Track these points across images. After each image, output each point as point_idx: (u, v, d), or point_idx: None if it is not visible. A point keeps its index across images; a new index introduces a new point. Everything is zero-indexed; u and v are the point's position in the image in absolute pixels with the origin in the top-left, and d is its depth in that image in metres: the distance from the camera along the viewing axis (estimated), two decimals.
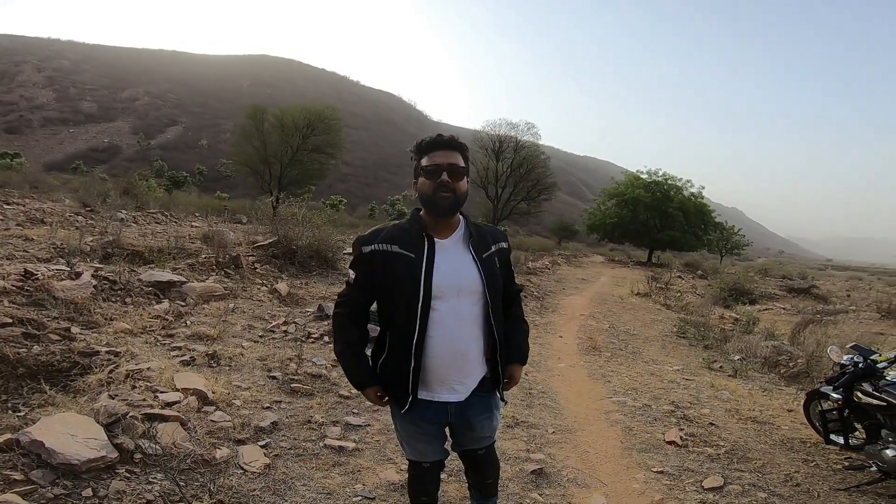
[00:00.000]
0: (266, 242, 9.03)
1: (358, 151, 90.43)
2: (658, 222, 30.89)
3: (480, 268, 1.85)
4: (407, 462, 2.15)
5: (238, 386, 3.84)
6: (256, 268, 8.00)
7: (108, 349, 3.89)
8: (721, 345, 7.77)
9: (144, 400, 3.13)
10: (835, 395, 3.54)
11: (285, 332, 5.49)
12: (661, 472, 3.41)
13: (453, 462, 2.90)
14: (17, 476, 2.28)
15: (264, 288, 7.16)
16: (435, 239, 1.84)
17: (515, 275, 2.22)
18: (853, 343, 3.76)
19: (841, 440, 3.58)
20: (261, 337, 5.22)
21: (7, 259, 5.88)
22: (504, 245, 2.01)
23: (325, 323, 5.80)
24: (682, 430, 4.13)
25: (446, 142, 1.85)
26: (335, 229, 11.09)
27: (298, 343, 5.05)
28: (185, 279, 6.27)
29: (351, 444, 3.27)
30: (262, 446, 3.05)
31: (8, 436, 2.46)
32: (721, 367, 6.49)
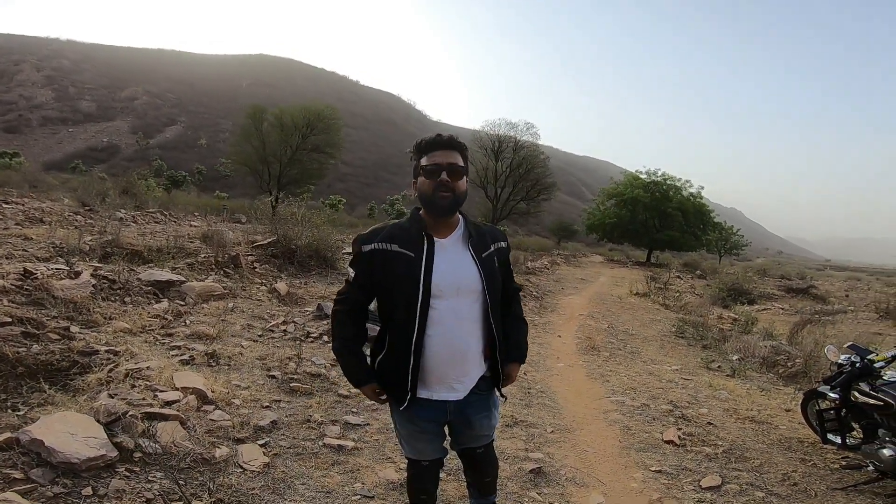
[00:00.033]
0: (265, 242, 9.03)
1: (357, 151, 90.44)
2: (657, 222, 30.92)
3: (480, 267, 1.86)
4: (406, 461, 2.16)
5: (237, 385, 3.85)
6: (255, 267, 8.01)
7: (107, 348, 3.89)
8: (719, 345, 7.79)
9: (144, 399, 3.14)
10: (832, 395, 3.55)
11: (284, 331, 5.49)
12: (660, 472, 3.42)
13: (452, 461, 2.91)
14: (17, 475, 2.28)
15: (263, 287, 7.17)
16: (434, 238, 1.85)
17: (515, 274, 2.23)
18: (850, 343, 3.77)
19: (838, 440, 3.59)
20: (260, 336, 5.23)
21: (6, 258, 5.88)
22: (503, 244, 2.02)
23: (325, 322, 5.81)
24: (680, 429, 4.14)
25: (446, 141, 1.85)
26: (334, 229, 11.10)
27: (297, 342, 5.06)
28: (184, 279, 6.27)
29: (350, 443, 3.28)
30: (261, 445, 3.06)
31: (8, 434, 2.46)
32: (719, 366, 6.50)
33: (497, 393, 2.05)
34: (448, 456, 2.16)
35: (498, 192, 39.98)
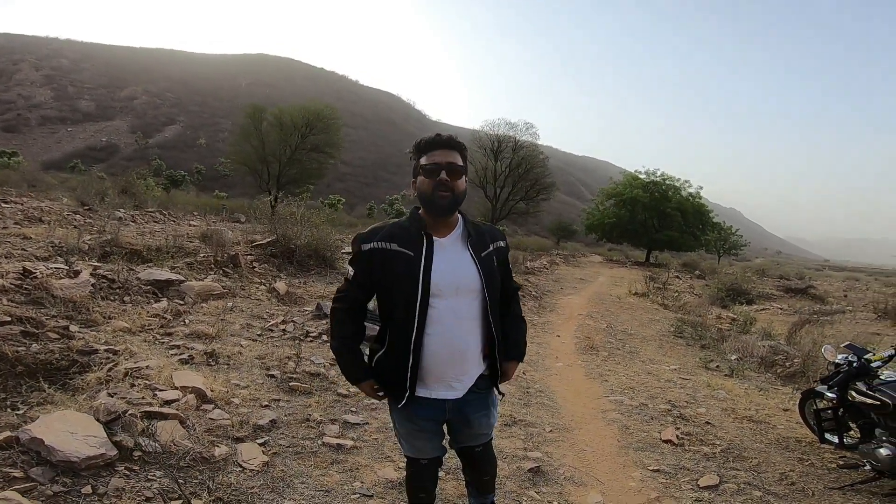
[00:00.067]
0: (264, 241, 9.03)
1: (357, 151, 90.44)
2: (656, 222, 30.96)
3: (479, 266, 1.87)
4: (405, 459, 2.17)
5: (237, 384, 3.85)
6: (255, 267, 8.01)
7: (106, 347, 3.90)
8: (718, 344, 7.80)
9: (143, 398, 3.14)
10: (829, 395, 3.56)
11: (284, 330, 5.50)
12: (658, 471, 3.43)
13: (451, 460, 2.91)
14: (17, 473, 2.29)
15: (263, 287, 7.17)
16: (434, 237, 1.85)
17: (514, 274, 2.24)
18: (847, 343, 3.78)
19: (836, 439, 3.60)
20: (259, 336, 5.24)
21: (5, 257, 5.88)
22: (502, 244, 2.03)
23: (324, 322, 5.81)
24: (678, 428, 4.15)
25: (445, 141, 1.86)
26: (333, 228, 11.09)
27: (297, 342, 5.07)
28: (183, 278, 6.28)
29: (349, 442, 3.28)
30: (260, 444, 3.06)
31: (7, 433, 2.47)
32: (718, 366, 6.51)
33: (495, 391, 2.06)
34: (447, 455, 2.17)
35: (497, 191, 40.01)
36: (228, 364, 4.27)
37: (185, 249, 7.87)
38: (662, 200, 30.97)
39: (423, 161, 1.85)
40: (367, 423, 3.63)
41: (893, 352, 3.39)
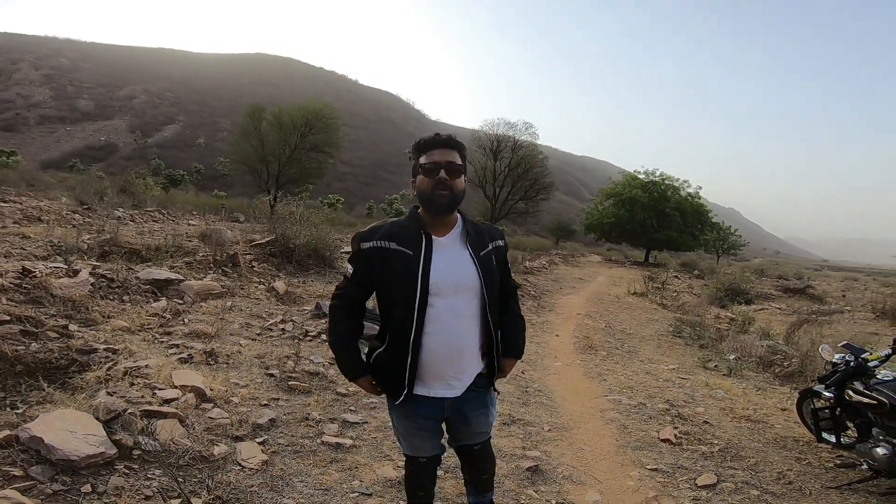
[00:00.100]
0: (264, 241, 9.03)
1: (356, 150, 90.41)
2: (655, 222, 30.98)
3: (478, 265, 1.88)
4: (404, 458, 2.18)
5: (236, 383, 3.86)
6: (254, 266, 8.02)
7: (106, 347, 3.90)
8: (716, 344, 7.81)
9: (143, 397, 3.15)
10: (827, 394, 3.56)
11: (283, 330, 5.51)
12: (656, 470, 3.44)
13: (450, 458, 2.92)
14: (17, 472, 2.29)
15: (262, 286, 7.18)
16: (433, 237, 1.86)
17: (513, 274, 2.25)
18: (845, 342, 3.79)
19: (833, 438, 3.61)
20: (258, 335, 5.24)
21: (4, 257, 5.89)
22: (501, 243, 2.04)
23: (323, 321, 5.82)
24: (676, 428, 4.16)
25: (444, 141, 1.87)
26: (333, 228, 11.10)
27: (296, 341, 5.08)
28: (182, 277, 6.28)
29: (348, 441, 3.29)
30: (259, 443, 3.07)
31: (7, 432, 2.48)
32: (716, 366, 6.53)
33: (494, 391, 2.07)
34: (446, 453, 2.18)
35: (496, 191, 40.01)
36: (228, 363, 4.27)
37: (184, 249, 7.87)
38: (661, 200, 30.99)
39: (422, 160, 1.86)
40: (366, 422, 3.64)
41: (890, 351, 3.40)
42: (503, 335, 2.04)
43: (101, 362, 3.63)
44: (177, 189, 38.81)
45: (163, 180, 37.76)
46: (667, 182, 32.11)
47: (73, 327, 4.17)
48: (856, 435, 3.46)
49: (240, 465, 2.80)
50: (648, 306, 11.91)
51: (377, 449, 3.29)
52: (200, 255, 7.63)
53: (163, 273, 6.13)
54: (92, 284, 5.19)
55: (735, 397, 5.17)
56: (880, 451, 3.10)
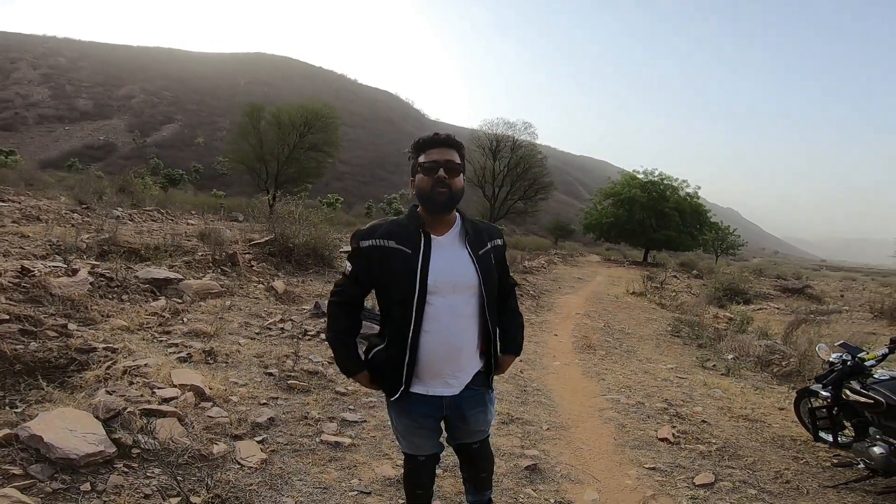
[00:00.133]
0: (262, 240, 9.04)
1: (355, 150, 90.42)
2: (654, 222, 30.99)
3: (476, 264, 1.89)
4: (402, 457, 2.19)
5: (235, 382, 3.87)
6: (253, 265, 8.02)
7: (105, 346, 3.91)
8: (715, 344, 7.82)
9: (142, 396, 3.16)
10: (824, 393, 3.57)
11: (282, 329, 5.51)
12: (654, 469, 3.45)
13: (448, 457, 2.93)
14: (16, 470, 2.30)
15: (261, 285, 7.18)
16: (431, 236, 1.87)
17: (512, 273, 2.27)
18: (842, 341, 3.80)
19: (830, 438, 3.61)
20: (257, 334, 5.25)
21: (3, 256, 5.89)
22: (499, 242, 2.05)
23: (322, 320, 5.82)
24: (674, 427, 4.17)
25: (443, 140, 1.89)
26: (332, 227, 11.11)
27: (295, 340, 5.08)
28: (181, 276, 6.28)
29: (347, 440, 3.30)
30: (258, 442, 3.08)
31: (7, 431, 2.48)
32: (714, 365, 6.54)
33: (492, 390, 2.08)
34: (444, 452, 2.19)
35: (495, 191, 40.06)
36: (227, 362, 4.28)
37: (183, 248, 7.88)
38: (660, 200, 31.00)
39: (421, 159, 1.87)
40: (365, 421, 3.65)
41: (887, 350, 3.41)
42: (502, 332, 2.06)
43: (100, 361, 3.63)
44: (175, 188, 38.80)
45: (161, 180, 37.72)
46: (666, 182, 32.13)
47: (72, 326, 4.17)
48: (853, 434, 3.46)
49: (239, 463, 2.81)
50: (647, 306, 11.93)
51: (376, 448, 3.30)
52: (199, 254, 7.63)
53: (162, 272, 6.14)
54: (91, 283, 5.19)
55: (733, 397, 5.19)
56: (877, 450, 3.11)
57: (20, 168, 29.22)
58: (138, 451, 2.63)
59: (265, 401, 3.66)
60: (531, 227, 64.04)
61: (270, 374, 4.13)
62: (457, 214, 1.96)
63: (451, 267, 1.86)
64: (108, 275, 5.60)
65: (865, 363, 3.39)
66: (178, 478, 2.47)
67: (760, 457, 3.73)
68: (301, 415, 3.55)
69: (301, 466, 2.93)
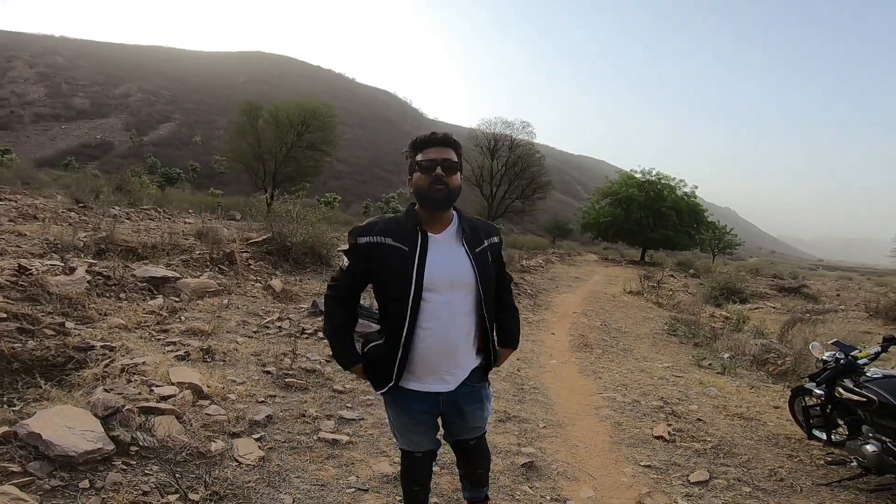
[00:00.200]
0: (260, 239, 9.04)
1: (353, 149, 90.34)
2: (651, 221, 31.04)
3: (473, 262, 1.91)
4: (400, 454, 2.21)
5: (233, 380, 3.88)
6: (250, 264, 8.02)
7: (102, 344, 3.92)
8: (711, 343, 7.86)
9: (140, 394, 3.16)
10: (817, 391, 3.60)
11: (279, 327, 5.52)
12: (649, 466, 3.48)
13: (446, 455, 2.95)
14: (15, 468, 2.31)
15: (258, 284, 7.19)
16: (429, 233, 1.89)
17: (510, 273, 2.29)
18: (834, 340, 3.83)
19: (824, 436, 3.64)
20: (255, 332, 5.26)
21: (0, 254, 5.88)
22: (496, 240, 2.07)
23: (319, 319, 5.83)
24: (670, 425, 4.20)
25: (440, 139, 1.91)
26: (329, 226, 11.11)
27: (293, 339, 5.09)
28: (179, 275, 6.29)
29: (345, 438, 3.32)
30: (256, 439, 3.09)
31: (6, 428, 2.49)
32: (710, 364, 6.57)
33: (489, 384, 2.11)
34: (442, 450, 2.21)
35: (493, 190, 40.07)
36: (224, 360, 4.29)
37: (180, 247, 7.88)
38: (657, 199, 31.04)
39: (419, 158, 1.89)
40: (363, 419, 3.66)
41: (880, 349, 3.44)
42: (499, 327, 2.10)
43: (98, 359, 3.64)
44: (173, 187, 38.69)
45: (159, 178, 37.61)
46: (663, 181, 32.18)
47: (69, 325, 4.18)
48: (846, 432, 3.49)
49: (237, 461, 2.82)
50: (644, 305, 11.96)
51: (373, 445, 3.32)
52: (197, 253, 7.63)
53: (159, 271, 6.14)
54: (88, 282, 5.19)
55: (728, 395, 5.21)
56: (870, 448, 3.13)
57: (16, 167, 29.09)
58: (137, 448, 2.64)
59: (263, 399, 3.67)
60: (529, 227, 64.09)
61: (268, 373, 4.14)
62: (454, 213, 1.98)
63: (448, 264, 1.88)
64: (105, 273, 5.60)
65: (858, 361, 3.41)
66: (177, 475, 2.49)
67: (755, 455, 3.76)
68: (299, 412, 3.57)
69: (299, 464, 2.95)
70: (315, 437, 3.28)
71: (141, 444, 2.67)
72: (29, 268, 5.02)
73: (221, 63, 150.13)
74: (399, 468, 2.30)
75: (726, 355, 6.98)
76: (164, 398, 3.19)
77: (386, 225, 1.91)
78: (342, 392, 4.05)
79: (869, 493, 3.22)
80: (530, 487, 3.08)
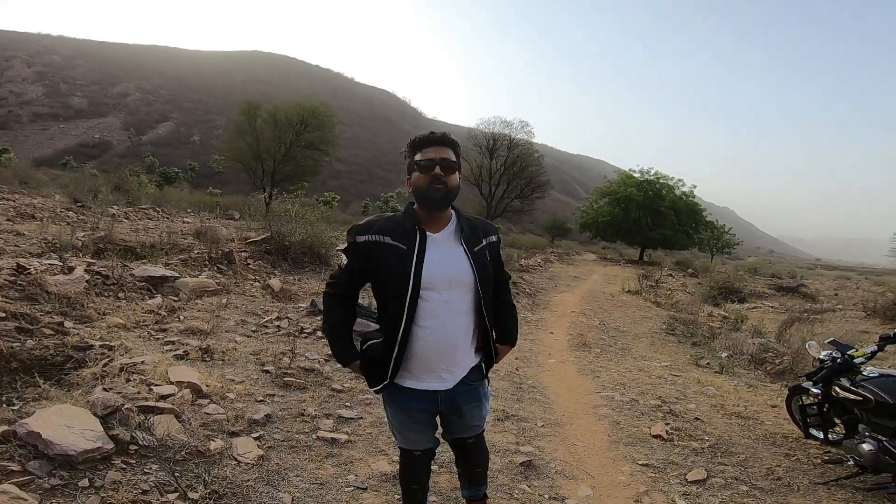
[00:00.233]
0: (259, 238, 9.04)
1: (352, 148, 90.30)
2: (650, 221, 31.09)
3: (472, 261, 1.92)
4: (398, 452, 2.22)
5: (231, 379, 3.88)
6: (249, 264, 8.02)
7: (101, 343, 3.92)
8: (709, 342, 7.88)
9: (139, 393, 3.17)
10: (814, 390, 3.61)
11: (278, 327, 5.53)
12: (647, 465, 3.49)
13: (444, 453, 2.96)
14: (15, 467, 2.31)
15: (257, 283, 7.19)
16: (427, 233, 1.90)
17: (509, 272, 2.30)
18: (831, 339, 3.84)
19: (821, 435, 3.65)
20: (254, 332, 5.26)
21: None
22: (494, 238, 2.08)
23: (318, 318, 5.84)
24: (668, 424, 4.21)
25: (438, 138, 1.92)
26: (328, 226, 11.11)
27: (291, 338, 5.09)
28: (177, 274, 6.29)
29: (343, 437, 3.32)
30: (255, 438, 3.10)
31: (5, 427, 2.49)
32: (708, 363, 6.59)
33: (487, 383, 2.12)
34: (440, 448, 2.22)
35: (492, 189, 40.12)
36: (223, 360, 4.29)
37: (179, 246, 7.87)
38: (656, 199, 31.10)
39: (417, 157, 1.90)
40: (362, 418, 3.67)
41: (876, 348, 3.45)
42: (497, 325, 2.11)
43: (96, 359, 3.64)
44: (171, 187, 38.68)
45: (157, 178, 37.60)
46: (661, 181, 32.23)
47: (68, 324, 4.18)
48: (843, 431, 3.50)
49: (236, 459, 2.83)
50: (642, 304, 11.98)
51: (372, 444, 3.32)
52: (195, 252, 7.63)
53: (158, 270, 6.14)
54: (87, 281, 5.19)
55: (726, 394, 5.23)
56: (866, 447, 3.14)
57: (14, 166, 29.04)
58: (136, 447, 2.65)
59: (262, 398, 3.68)
60: (528, 226, 64.13)
61: (267, 372, 4.15)
62: (452, 212, 1.99)
63: (446, 263, 1.89)
64: (104, 273, 5.60)
65: (855, 360, 3.42)
66: (176, 474, 2.50)
67: (752, 454, 3.77)
68: (297, 411, 3.58)
69: (297, 462, 2.96)
70: (314, 436, 3.28)
71: (140, 442, 2.67)
72: (27, 267, 5.02)
73: (220, 62, 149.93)
74: (398, 467, 2.30)
75: (724, 354, 7.00)
76: (163, 397, 3.20)
77: (385, 224, 1.92)
78: (341, 391, 4.06)
79: (865, 491, 3.23)
80: (528, 486, 3.09)
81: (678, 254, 34.07)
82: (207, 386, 3.54)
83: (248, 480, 2.67)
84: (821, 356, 3.69)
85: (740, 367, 6.52)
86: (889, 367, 3.91)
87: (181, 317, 5.20)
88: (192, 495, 2.41)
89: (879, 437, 3.12)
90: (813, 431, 3.74)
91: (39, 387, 3.14)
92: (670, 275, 20.95)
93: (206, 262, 7.36)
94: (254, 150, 28.13)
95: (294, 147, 28.95)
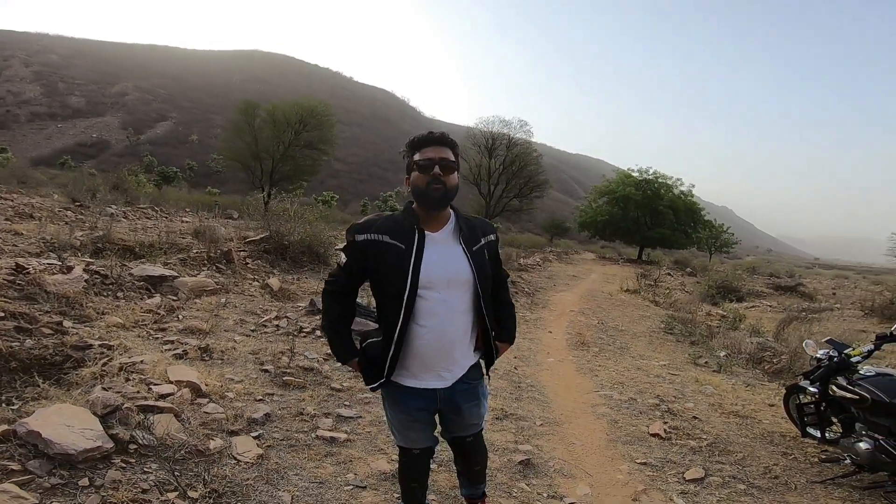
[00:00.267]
0: (257, 238, 9.04)
1: (351, 148, 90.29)
2: (648, 220, 31.12)
3: (470, 260, 1.93)
4: (397, 451, 2.23)
5: (231, 379, 3.89)
6: (248, 263, 8.02)
7: (100, 343, 3.92)
8: (707, 341, 7.89)
9: (138, 392, 3.17)
10: (811, 389, 3.63)
11: (277, 326, 5.53)
12: (645, 464, 3.50)
13: (443, 452, 2.97)
14: (15, 466, 2.31)
15: (256, 283, 7.19)
16: (426, 232, 1.91)
17: (508, 271, 2.32)
18: (828, 338, 3.86)
19: (818, 433, 3.67)
20: (253, 331, 5.27)
21: None
22: (492, 237, 2.10)
23: (317, 317, 5.84)
24: (666, 423, 4.22)
25: (437, 138, 1.93)
26: (327, 225, 11.11)
27: (290, 337, 5.10)
28: (176, 274, 6.29)
29: (343, 436, 3.33)
30: (254, 437, 3.10)
31: (5, 427, 2.50)
32: (706, 362, 6.61)
33: (486, 381, 2.13)
34: (439, 447, 2.23)
35: (491, 188, 40.12)
36: (222, 359, 4.30)
37: (177, 245, 7.87)
38: (654, 198, 31.12)
39: (416, 157, 1.91)
40: (361, 417, 3.68)
41: (873, 347, 3.47)
42: (496, 323, 2.12)
43: (96, 358, 3.64)
44: (170, 186, 38.63)
45: (155, 177, 37.54)
46: (660, 180, 32.25)
47: (67, 324, 4.18)
48: (840, 430, 3.52)
49: (235, 458, 2.83)
50: (641, 303, 12.00)
51: (371, 443, 3.33)
52: (194, 251, 7.63)
53: (157, 269, 6.14)
54: (86, 281, 5.19)
55: (724, 393, 5.25)
56: (863, 445, 3.15)
57: (12, 166, 28.99)
58: (136, 446, 2.65)
59: (261, 397, 3.69)
60: (526, 225, 64.16)
61: (266, 371, 4.16)
62: (451, 211, 2.00)
63: (445, 262, 1.90)
64: (102, 272, 5.60)
65: (851, 359, 3.44)
66: (176, 473, 2.50)
67: (750, 452, 3.78)
68: (297, 411, 3.58)
69: (297, 461, 2.96)
70: (313, 435, 3.29)
71: (140, 442, 2.68)
72: (26, 267, 5.02)
73: (219, 62, 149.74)
74: (397, 465, 2.31)
75: (722, 353, 7.01)
76: (162, 396, 3.20)
77: (384, 223, 1.93)
78: (340, 390, 4.07)
79: (862, 490, 3.25)
80: (527, 484, 3.10)
81: (677, 253, 34.11)
82: (207, 385, 3.55)
83: (248, 479, 2.67)
84: (818, 355, 3.70)
85: (738, 365, 6.54)
86: (886, 366, 3.93)
87: (180, 316, 5.20)
88: (191, 494, 2.42)
89: (876, 435, 3.13)
90: (810, 430, 3.76)
91: (39, 386, 3.15)
92: (669, 274, 20.97)
93: (205, 262, 7.36)
94: (252, 150, 28.11)
95: (293, 146, 28.93)
